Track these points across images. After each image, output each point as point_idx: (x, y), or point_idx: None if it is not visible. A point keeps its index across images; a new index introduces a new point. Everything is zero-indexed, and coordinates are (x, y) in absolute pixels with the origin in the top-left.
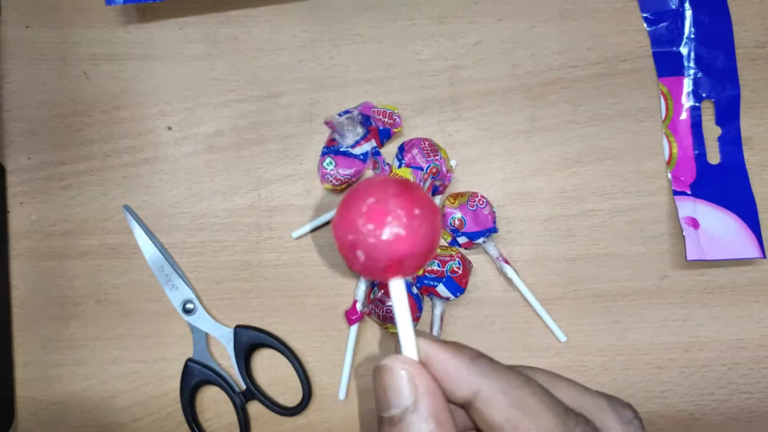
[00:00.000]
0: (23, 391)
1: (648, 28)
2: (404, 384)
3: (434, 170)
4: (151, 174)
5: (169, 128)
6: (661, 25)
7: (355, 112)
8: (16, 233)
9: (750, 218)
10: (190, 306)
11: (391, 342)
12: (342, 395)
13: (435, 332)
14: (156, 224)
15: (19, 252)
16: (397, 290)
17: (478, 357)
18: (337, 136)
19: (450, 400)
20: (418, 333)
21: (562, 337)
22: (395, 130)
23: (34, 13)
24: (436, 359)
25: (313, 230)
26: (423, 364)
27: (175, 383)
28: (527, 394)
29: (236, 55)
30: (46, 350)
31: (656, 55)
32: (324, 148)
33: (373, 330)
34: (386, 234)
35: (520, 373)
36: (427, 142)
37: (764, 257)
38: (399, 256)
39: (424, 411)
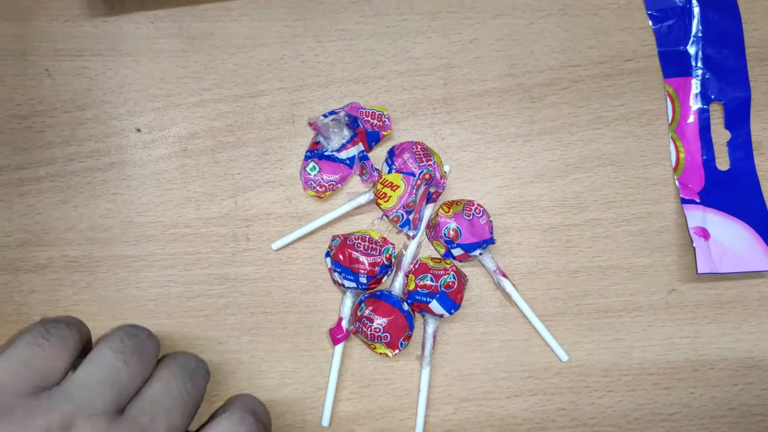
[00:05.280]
0: None
1: (653, 26)
2: None
3: (427, 176)
4: (117, 180)
5: (138, 130)
6: (667, 22)
7: (342, 114)
8: None
9: (762, 228)
10: None
11: (380, 363)
12: (326, 422)
13: (427, 352)
14: (122, 235)
15: None
16: None
17: None
18: (321, 139)
19: None
20: None
21: (564, 357)
22: (384, 132)
23: None
24: None
25: (295, 241)
26: None
27: None
28: None
29: (212, 51)
30: None
31: (662, 55)
32: (307, 151)
33: (360, 350)
34: None
35: None
36: (419, 146)
37: None
38: None
39: None
